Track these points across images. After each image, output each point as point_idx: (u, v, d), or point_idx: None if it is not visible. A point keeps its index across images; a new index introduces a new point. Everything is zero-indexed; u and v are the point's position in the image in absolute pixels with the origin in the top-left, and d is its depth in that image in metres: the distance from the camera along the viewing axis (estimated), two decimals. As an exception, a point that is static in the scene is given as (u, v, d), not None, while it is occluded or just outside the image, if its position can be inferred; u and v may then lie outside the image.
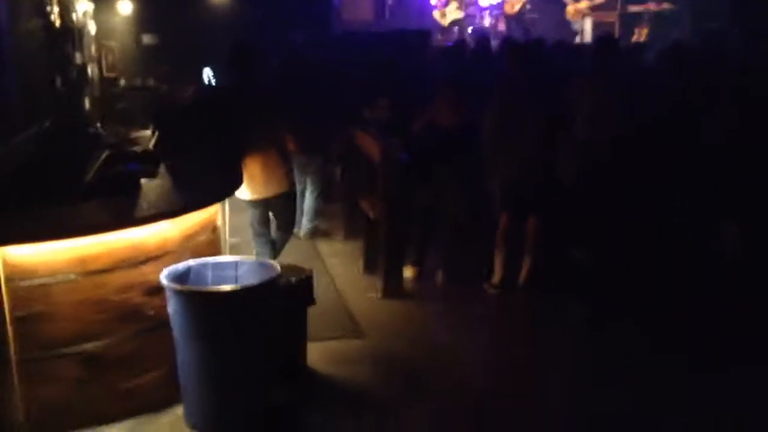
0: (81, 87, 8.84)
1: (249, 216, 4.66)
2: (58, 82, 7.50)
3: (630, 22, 12.20)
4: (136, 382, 3.30)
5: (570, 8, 12.09)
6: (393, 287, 5.12)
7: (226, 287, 3.19)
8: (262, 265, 3.46)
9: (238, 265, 3.51)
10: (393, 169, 4.80)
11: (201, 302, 3.11)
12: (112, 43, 10.10)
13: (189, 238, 3.49)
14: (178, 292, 3.09)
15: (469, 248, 5.52)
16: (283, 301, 3.48)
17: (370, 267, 5.54)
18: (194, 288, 3.20)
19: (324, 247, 6.36)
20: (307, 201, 6.56)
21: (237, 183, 4.00)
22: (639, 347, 4.35)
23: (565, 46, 7.59)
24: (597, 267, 5.15)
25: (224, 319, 3.13)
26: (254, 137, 4.34)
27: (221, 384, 3.23)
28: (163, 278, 3.16)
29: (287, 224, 4.78)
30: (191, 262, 3.39)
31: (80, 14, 9.06)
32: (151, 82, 9.95)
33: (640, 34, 11.95)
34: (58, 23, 7.58)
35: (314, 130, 6.30)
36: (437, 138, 5.11)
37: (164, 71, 9.41)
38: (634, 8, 12.16)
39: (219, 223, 3.89)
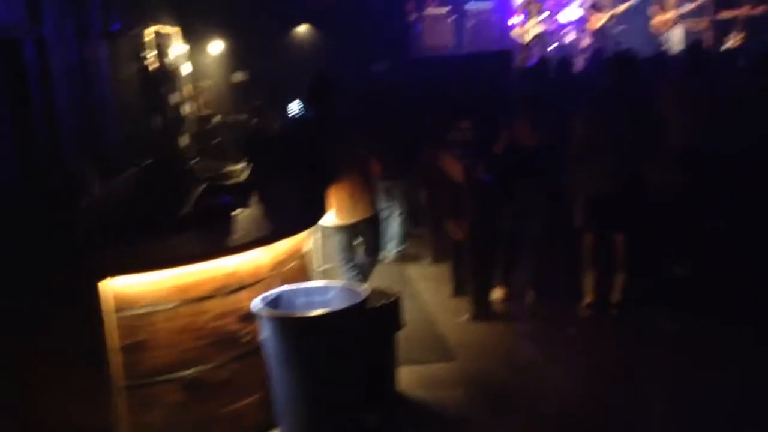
0: (177, 126, 9.34)
1: (335, 242, 4.75)
2: (155, 122, 7.98)
3: (724, 28, 11.75)
4: (234, 407, 3.42)
5: (655, 19, 11.75)
6: (482, 309, 5.09)
7: (315, 312, 3.27)
8: (350, 290, 3.53)
9: (326, 290, 3.59)
10: (476, 190, 4.80)
11: (290, 327, 3.20)
12: (206, 82, 10.59)
13: (280, 264, 3.61)
14: (269, 318, 3.20)
15: (559, 266, 5.45)
16: (371, 325, 3.53)
17: (458, 290, 5.53)
18: (283, 313, 3.30)
19: (412, 271, 6.39)
20: (394, 225, 6.64)
21: (323, 210, 4.11)
22: (739, 361, 4.15)
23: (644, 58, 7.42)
24: (697, 279, 5.00)
25: (313, 343, 3.21)
26: (339, 164, 4.45)
27: (313, 408, 3.30)
28: (256, 304, 3.27)
29: (374, 249, 4.84)
30: (282, 288, 3.50)
31: (174, 56, 9.61)
32: (242, 117, 10.37)
33: (735, 40, 11.49)
34: (152, 66, 8.06)
35: (399, 153, 6.40)
36: (518, 157, 5.08)
37: (256, 106, 9.78)
38: (725, 14, 11.71)
39: (306, 249, 3.99)
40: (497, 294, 5.43)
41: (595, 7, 11.90)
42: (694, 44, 5.10)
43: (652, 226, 5.18)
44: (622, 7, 11.64)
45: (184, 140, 9.33)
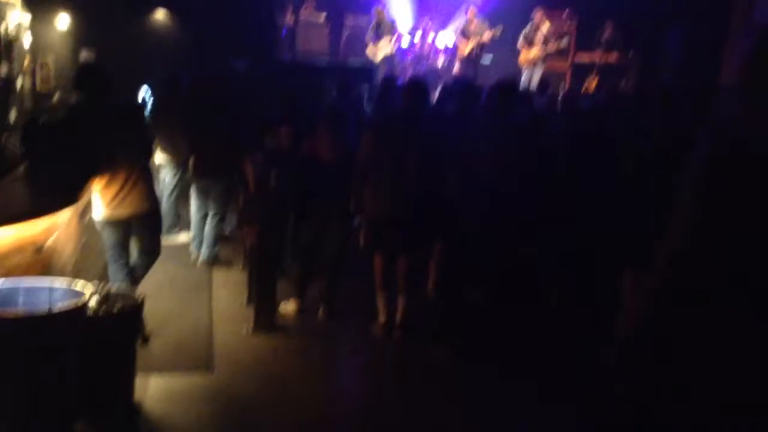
0: (5, 98, 8.68)
1: (104, 238, 4.45)
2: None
3: (581, 72, 12.28)
4: None
5: (521, 55, 12.11)
6: (263, 320, 4.93)
7: (9, 312, 2.99)
8: (74, 292, 3.26)
9: (52, 290, 3.31)
10: (263, 198, 4.64)
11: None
12: (49, 57, 9.94)
13: (2, 258, 3.29)
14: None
15: (360, 284, 5.39)
16: (95, 329, 3.28)
17: (250, 299, 5.35)
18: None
19: (220, 276, 6.17)
20: (208, 226, 6.40)
21: (67, 201, 3.81)
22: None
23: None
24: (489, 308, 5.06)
25: (9, 346, 2.93)
26: (109, 154, 4.16)
27: (17, 414, 3.01)
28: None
29: (148, 249, 4.57)
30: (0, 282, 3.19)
31: (12, 26, 8.94)
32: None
33: (590, 85, 12.03)
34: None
35: (218, 154, 6.18)
36: (315, 171, 4.98)
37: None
38: (582, 57, 12.23)
39: (49, 242, 3.69)
40: (290, 307, 5.31)
41: (464, 34, 12.12)
42: (500, 82, 5.16)
43: (451, 249, 5.23)
44: (487, 36, 11.89)
45: (11, 114, 8.68)
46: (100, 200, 4.25)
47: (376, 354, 4.85)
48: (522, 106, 5.62)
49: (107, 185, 4.19)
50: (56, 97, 9.92)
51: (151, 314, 4.80)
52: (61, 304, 3.10)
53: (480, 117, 5.38)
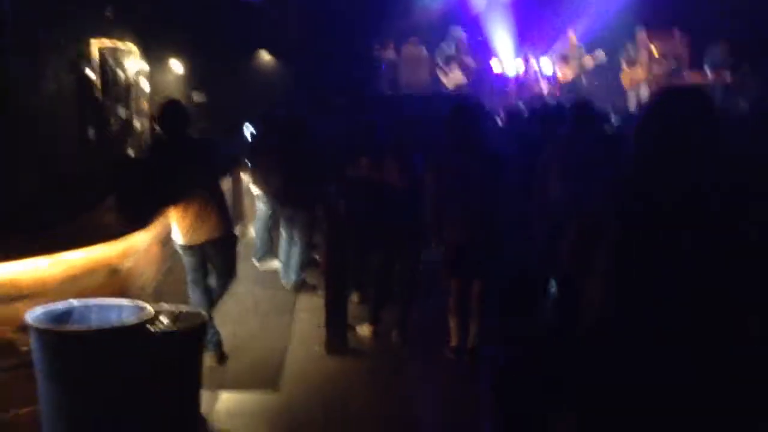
0: (123, 139, 9.47)
1: (184, 262, 4.77)
2: (91, 134, 8.10)
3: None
4: (4, 416, 3.41)
5: (624, 76, 11.78)
6: (334, 342, 5.06)
7: (77, 327, 3.26)
8: (140, 309, 3.52)
9: (122, 308, 3.58)
10: (330, 222, 4.81)
11: (52, 341, 3.19)
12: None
13: (74, 278, 3.62)
14: (33, 329, 3.20)
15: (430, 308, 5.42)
16: (157, 346, 3.51)
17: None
18: (45, 325, 3.29)
19: (304, 300, 6.38)
20: (294, 253, 6.65)
21: (138, 225, 4.12)
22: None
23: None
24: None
25: (76, 360, 3.20)
26: (187, 184, 4.48)
27: (75, 428, 3.27)
28: (30, 315, 3.27)
29: (223, 273, 4.83)
30: (74, 302, 3.50)
31: (131, 73, 9.78)
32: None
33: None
34: (95, 80, 8.22)
35: (300, 183, 6.46)
36: (385, 198, 5.10)
37: (201, 127, 9.90)
38: (692, 77, 11.69)
39: (126, 265, 4.00)
40: (365, 330, 5.41)
41: (564, 60, 11.95)
42: (577, 102, 5.08)
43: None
44: (589, 61, 11.66)
45: (128, 152, 9.44)
46: (178, 227, 4.57)
47: (446, 378, 4.84)
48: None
49: (183, 213, 4.51)
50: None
51: (232, 335, 5.09)
52: (125, 321, 3.35)
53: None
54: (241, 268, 5.36)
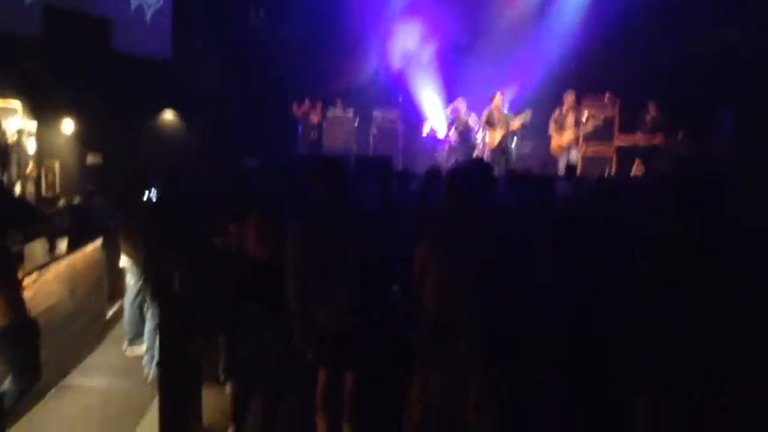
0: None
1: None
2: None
3: (629, 156, 11.29)
4: None
5: (553, 142, 11.28)
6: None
7: None
8: None
9: None
10: (165, 305, 3.89)
11: None
12: (54, 162, 9.78)
13: None
14: None
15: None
16: None
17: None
18: None
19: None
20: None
21: None
22: None
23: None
24: None
25: None
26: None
27: None
28: None
29: (17, 372, 3.79)
30: None
31: (10, 132, 8.84)
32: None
33: (638, 169, 11.03)
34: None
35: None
36: (244, 269, 4.21)
37: (89, 191, 8.96)
38: (621, 141, 11.28)
39: None
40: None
41: (490, 123, 11.36)
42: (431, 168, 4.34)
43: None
44: (517, 123, 11.12)
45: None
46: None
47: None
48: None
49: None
50: (61, 202, 9.68)
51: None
52: None
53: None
54: (104, 353, 4.34)
